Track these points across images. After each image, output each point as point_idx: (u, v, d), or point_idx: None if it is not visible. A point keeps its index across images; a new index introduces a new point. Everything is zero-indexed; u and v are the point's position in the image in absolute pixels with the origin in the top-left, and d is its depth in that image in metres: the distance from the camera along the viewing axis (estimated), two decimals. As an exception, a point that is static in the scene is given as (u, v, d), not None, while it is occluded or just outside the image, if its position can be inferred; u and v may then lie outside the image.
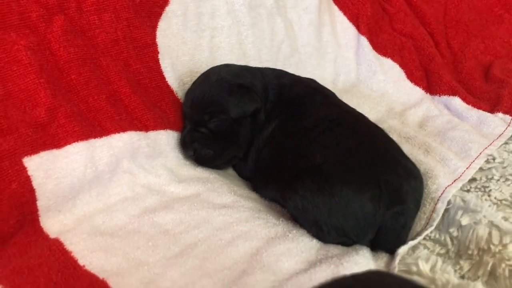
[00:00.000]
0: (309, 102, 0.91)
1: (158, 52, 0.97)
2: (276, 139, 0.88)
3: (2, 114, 0.73)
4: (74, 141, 0.78)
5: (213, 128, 0.90)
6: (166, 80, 0.97)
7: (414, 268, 0.69)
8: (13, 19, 0.79)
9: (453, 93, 1.20)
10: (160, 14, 0.99)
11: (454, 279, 0.66)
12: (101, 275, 0.65)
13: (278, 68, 1.03)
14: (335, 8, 1.32)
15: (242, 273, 0.66)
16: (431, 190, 0.85)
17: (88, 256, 0.68)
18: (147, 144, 0.88)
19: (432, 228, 0.79)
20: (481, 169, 0.93)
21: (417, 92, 1.24)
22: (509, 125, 1.07)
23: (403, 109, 1.18)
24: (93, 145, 0.80)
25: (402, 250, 0.73)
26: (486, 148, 0.97)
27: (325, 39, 1.27)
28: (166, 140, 0.91)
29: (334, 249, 0.73)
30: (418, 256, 0.74)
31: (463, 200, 0.82)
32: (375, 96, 1.21)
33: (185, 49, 1.02)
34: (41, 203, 0.73)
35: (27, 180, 0.72)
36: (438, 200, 0.83)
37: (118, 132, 0.84)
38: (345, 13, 1.31)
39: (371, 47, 1.28)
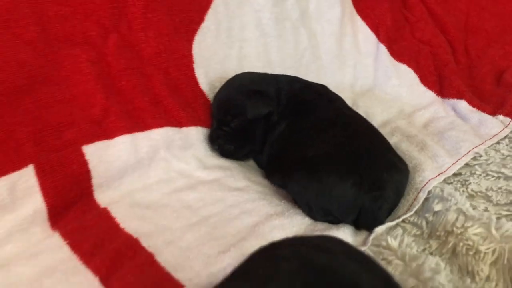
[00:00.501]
0: (314, 105, 1.07)
1: (193, 62, 1.16)
2: (285, 136, 1.05)
3: (68, 112, 0.96)
4: (122, 134, 0.99)
5: (234, 127, 1.08)
6: (199, 85, 1.16)
7: (384, 243, 0.84)
8: (78, 37, 1.00)
9: (460, 96, 1.31)
10: (196, 30, 1.18)
11: (414, 252, 0.81)
12: (135, 235, 0.85)
13: (293, 75, 1.19)
14: (358, 18, 1.46)
15: (241, 239, 0.84)
16: (416, 181, 0.99)
17: (127, 221, 0.88)
18: (180, 138, 1.07)
19: (411, 213, 0.92)
20: (467, 165, 1.05)
21: (430, 95, 1.36)
22: (506, 127, 1.17)
23: (413, 111, 1.30)
24: (137, 137, 1.01)
25: (379, 229, 0.87)
26: (476, 147, 1.09)
27: (346, 47, 1.41)
28: (196, 135, 1.11)
29: (321, 226, 0.90)
30: (392, 234, 0.88)
31: (442, 190, 0.95)
32: (389, 99, 1.34)
33: (217, 58, 1.21)
34: (94, 181, 0.95)
35: (85, 163, 0.94)
36: (420, 190, 0.96)
37: (157, 128, 1.04)
38: (367, 23, 1.45)
39: (389, 54, 1.42)
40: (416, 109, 1.31)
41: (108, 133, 0.98)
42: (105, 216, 0.90)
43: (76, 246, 0.82)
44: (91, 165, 0.95)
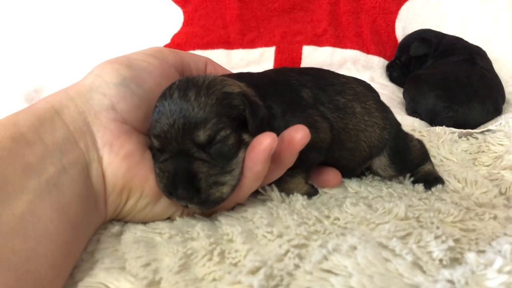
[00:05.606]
0: (454, 53, 1.48)
1: (396, 18, 1.72)
2: (430, 67, 1.51)
3: (304, 27, 1.69)
4: (328, 46, 1.66)
5: (402, 60, 1.60)
6: (395, 33, 1.71)
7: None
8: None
9: None
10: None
11: (448, 138, 1.20)
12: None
13: (461, 38, 1.59)
14: None
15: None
16: (500, 118, 1.30)
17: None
18: (365, 60, 1.67)
19: (478, 131, 1.27)
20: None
21: None
22: None
23: None
24: (335, 51, 1.66)
25: (439, 128, 1.28)
26: None
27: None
28: (377, 62, 1.68)
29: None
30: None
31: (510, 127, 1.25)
32: None
33: (417, 21, 1.72)
34: (302, 64, 1.66)
35: (300, 54, 1.66)
36: (496, 121, 1.28)
37: (351, 49, 1.67)
38: None
39: None
40: None
41: (320, 43, 1.67)
42: (298, 82, 1.60)
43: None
44: (303, 56, 1.66)
